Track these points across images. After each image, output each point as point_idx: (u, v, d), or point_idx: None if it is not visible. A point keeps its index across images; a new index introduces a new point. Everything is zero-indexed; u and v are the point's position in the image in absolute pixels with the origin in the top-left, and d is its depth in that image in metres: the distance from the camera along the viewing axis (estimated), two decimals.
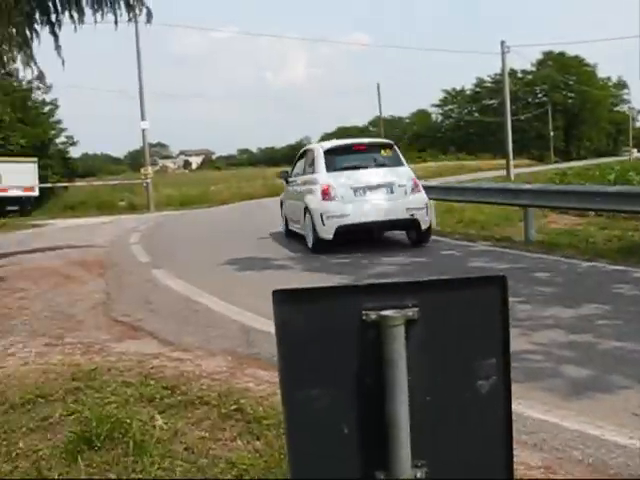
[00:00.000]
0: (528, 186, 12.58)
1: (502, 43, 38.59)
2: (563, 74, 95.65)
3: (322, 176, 12.17)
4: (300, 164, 14.16)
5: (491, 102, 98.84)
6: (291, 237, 14.14)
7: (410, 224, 12.06)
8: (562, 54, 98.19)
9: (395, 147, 12.93)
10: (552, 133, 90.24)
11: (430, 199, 12.94)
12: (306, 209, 12.23)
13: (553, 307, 7.06)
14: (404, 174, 12.32)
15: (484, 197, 13.87)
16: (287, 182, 14.83)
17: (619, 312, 6.78)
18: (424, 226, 12.03)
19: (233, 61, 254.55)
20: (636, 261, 9.67)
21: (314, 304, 2.02)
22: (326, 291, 2.06)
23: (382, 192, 11.99)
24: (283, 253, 12.12)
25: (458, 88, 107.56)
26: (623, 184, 18.91)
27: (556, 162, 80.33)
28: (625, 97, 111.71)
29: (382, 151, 12.81)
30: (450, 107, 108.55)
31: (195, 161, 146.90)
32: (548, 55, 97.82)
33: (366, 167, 12.41)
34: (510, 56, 39.73)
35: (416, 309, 1.95)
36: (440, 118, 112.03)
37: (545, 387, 4.74)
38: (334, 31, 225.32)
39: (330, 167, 12.28)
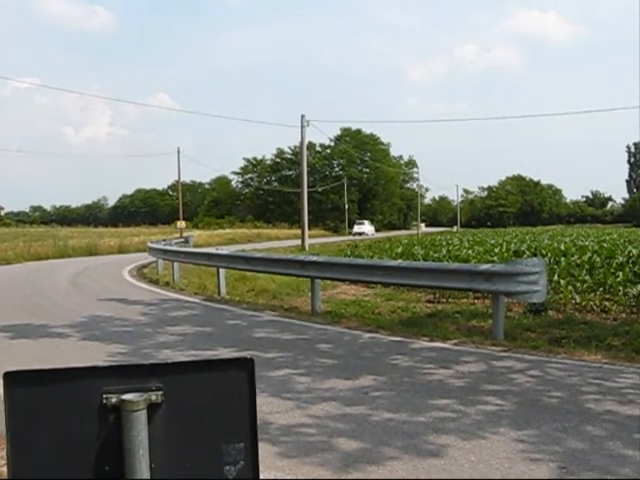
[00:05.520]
0: (314, 258, 12.85)
1: (302, 117, 39.80)
2: (359, 150, 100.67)
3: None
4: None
5: (290, 173, 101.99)
6: (79, 301, 13.69)
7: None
8: (359, 131, 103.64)
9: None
10: (347, 206, 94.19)
11: (220, 267, 15.07)
12: None
13: (332, 379, 7.18)
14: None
15: (273, 267, 13.96)
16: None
17: (394, 383, 7.02)
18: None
19: (31, 113, 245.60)
20: (415, 332, 10.11)
21: (51, 386, 1.88)
22: (63, 372, 1.92)
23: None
24: (64, 319, 11.52)
25: (259, 157, 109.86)
26: (409, 257, 20.25)
27: (350, 234, 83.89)
28: (415, 175, 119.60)
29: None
30: (250, 175, 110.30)
31: None
32: (346, 131, 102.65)
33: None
34: (312, 131, 41.17)
35: (160, 392, 1.87)
36: (240, 186, 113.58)
37: (316, 461, 4.76)
38: (139, 91, 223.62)
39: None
